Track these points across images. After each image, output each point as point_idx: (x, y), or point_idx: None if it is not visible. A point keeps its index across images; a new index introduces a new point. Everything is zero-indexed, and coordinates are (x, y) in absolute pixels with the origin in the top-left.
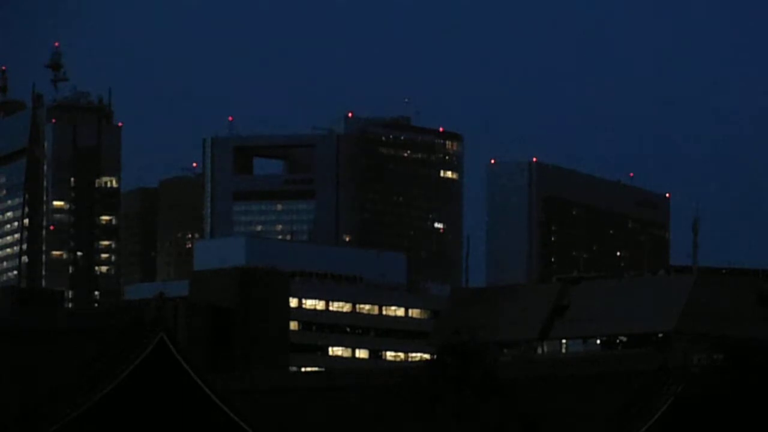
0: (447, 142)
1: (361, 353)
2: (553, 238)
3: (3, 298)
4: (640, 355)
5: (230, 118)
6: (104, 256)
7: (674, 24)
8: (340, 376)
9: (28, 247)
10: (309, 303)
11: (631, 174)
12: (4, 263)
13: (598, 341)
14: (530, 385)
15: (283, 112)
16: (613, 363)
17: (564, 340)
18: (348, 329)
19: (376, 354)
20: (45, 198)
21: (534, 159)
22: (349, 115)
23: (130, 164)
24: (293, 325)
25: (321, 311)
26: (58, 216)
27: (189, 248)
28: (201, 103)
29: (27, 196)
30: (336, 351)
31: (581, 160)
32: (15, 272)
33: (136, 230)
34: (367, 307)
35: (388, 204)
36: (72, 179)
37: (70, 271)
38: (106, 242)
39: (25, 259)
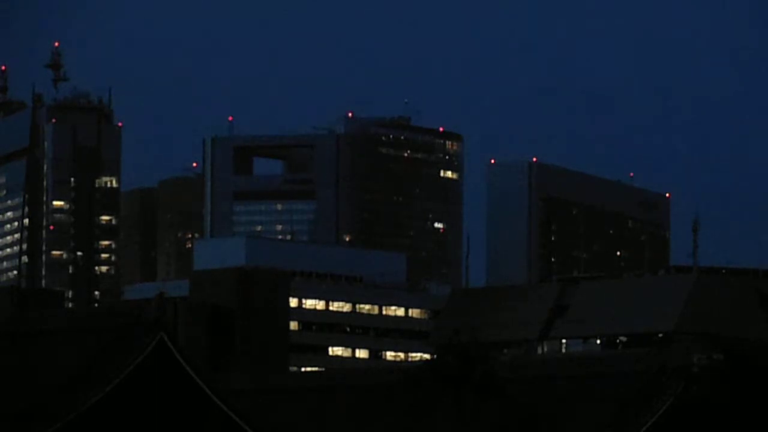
0: (447, 142)
1: (361, 353)
2: (553, 238)
3: (3, 298)
4: (640, 355)
5: (230, 118)
6: (104, 256)
7: (675, 24)
8: (340, 376)
9: (28, 247)
10: (309, 303)
11: (631, 174)
12: (4, 263)
13: (598, 341)
14: (530, 385)
15: (283, 112)
16: (613, 363)
17: (564, 340)
18: (348, 329)
19: (376, 354)
20: (45, 198)
21: (534, 159)
22: (349, 115)
23: (130, 164)
24: (293, 325)
25: (321, 311)
26: (58, 216)
27: (189, 248)
28: (201, 103)
29: (27, 196)
30: (336, 351)
31: (581, 160)
32: (15, 272)
33: (136, 230)
34: (367, 307)
35: (388, 204)
36: (72, 179)
37: (70, 271)
38: (106, 242)
39: (25, 259)
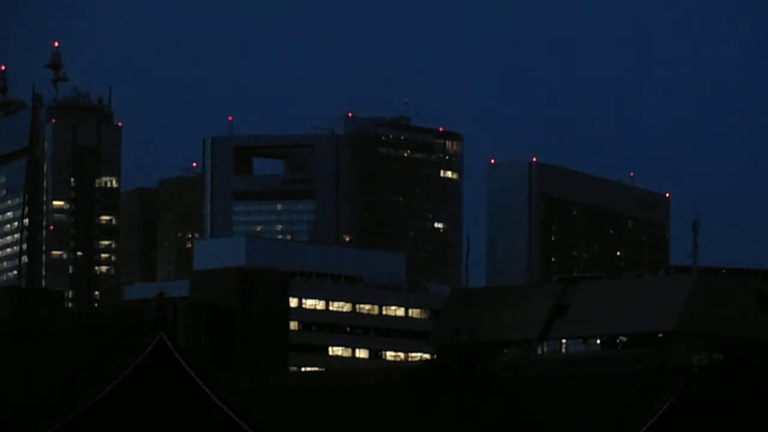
0: (447, 142)
1: (361, 353)
2: (553, 238)
3: (3, 298)
4: (640, 355)
5: (230, 118)
6: (104, 256)
7: (674, 23)
8: (340, 376)
9: (28, 247)
10: (309, 303)
11: (631, 174)
12: (4, 263)
13: (598, 341)
14: (530, 385)
15: (283, 112)
16: (613, 363)
17: (564, 340)
18: (348, 329)
19: (376, 354)
20: (45, 198)
21: (534, 159)
22: (349, 115)
23: (130, 164)
24: (293, 325)
25: (321, 311)
26: (58, 216)
27: (189, 248)
28: (201, 103)
29: (27, 196)
30: (336, 351)
31: (581, 160)
32: (15, 272)
33: (136, 230)
34: (367, 307)
35: (388, 204)
36: (72, 179)
37: (70, 271)
38: (106, 242)
39: (25, 259)
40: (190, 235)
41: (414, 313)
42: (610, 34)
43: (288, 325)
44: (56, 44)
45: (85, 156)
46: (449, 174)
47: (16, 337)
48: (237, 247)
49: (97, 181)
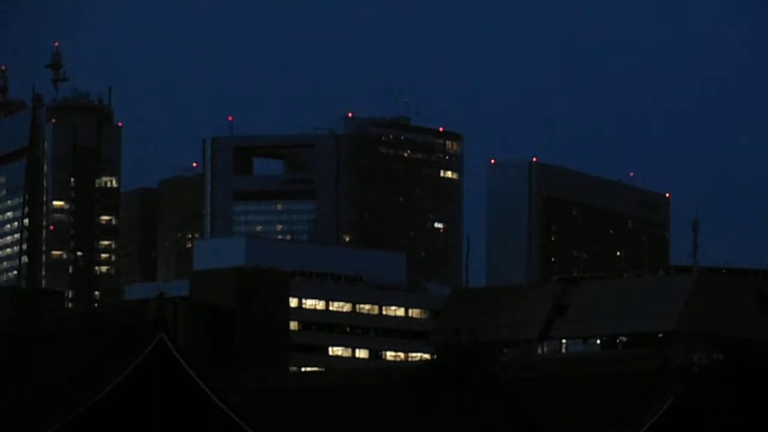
0: (447, 142)
1: (361, 353)
2: (553, 238)
3: (3, 298)
4: (640, 355)
5: (230, 118)
6: (104, 256)
7: (675, 24)
8: (340, 376)
9: (28, 247)
10: (309, 303)
11: (631, 174)
12: (4, 263)
13: (598, 341)
14: (530, 385)
15: (283, 112)
16: (613, 363)
17: (564, 340)
18: (348, 329)
19: (376, 354)
20: (45, 198)
21: (534, 159)
22: (349, 115)
23: (130, 164)
24: (293, 325)
25: (321, 311)
26: (58, 216)
27: (189, 248)
28: (201, 103)
29: (27, 196)
30: (336, 351)
31: (581, 160)
32: (15, 272)
33: (136, 230)
34: (367, 307)
35: (388, 204)
36: (72, 179)
37: (70, 271)
38: (106, 242)
39: (25, 259)
40: (190, 235)
41: (414, 313)
42: (610, 34)
43: (288, 325)
44: (56, 44)
45: (85, 156)
46: (449, 174)
47: (16, 337)
48: (237, 247)
49: (97, 181)
